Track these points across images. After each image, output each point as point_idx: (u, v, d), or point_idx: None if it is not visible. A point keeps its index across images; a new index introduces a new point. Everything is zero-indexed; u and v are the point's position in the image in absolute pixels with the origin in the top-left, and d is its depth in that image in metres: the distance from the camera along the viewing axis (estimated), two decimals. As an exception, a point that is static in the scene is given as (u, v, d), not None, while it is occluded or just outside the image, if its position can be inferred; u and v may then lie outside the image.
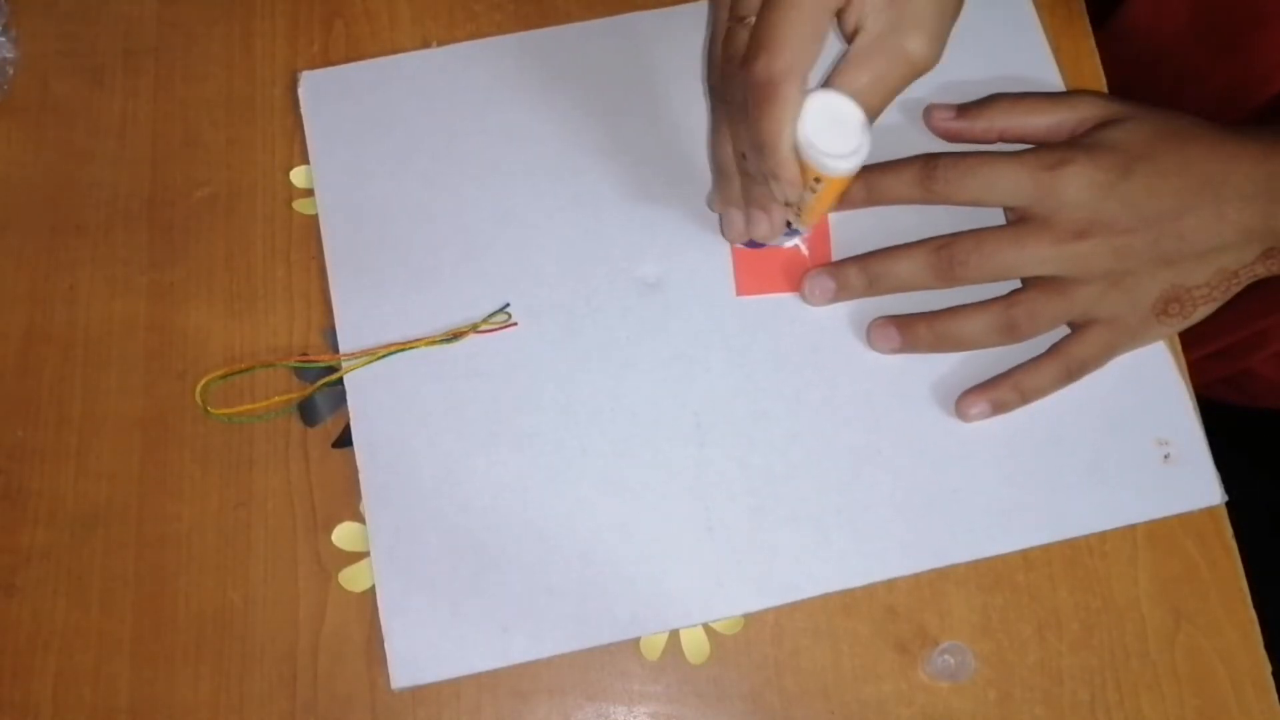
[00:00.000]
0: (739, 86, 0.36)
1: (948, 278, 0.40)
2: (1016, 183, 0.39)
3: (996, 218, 0.42)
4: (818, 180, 0.35)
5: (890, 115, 0.44)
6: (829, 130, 0.34)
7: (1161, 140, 0.39)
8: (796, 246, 0.43)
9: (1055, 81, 0.45)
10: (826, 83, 0.35)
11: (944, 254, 0.40)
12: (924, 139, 0.43)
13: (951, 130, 0.43)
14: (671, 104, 0.45)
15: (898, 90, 0.35)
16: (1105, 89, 0.46)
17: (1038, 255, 0.39)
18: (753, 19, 0.35)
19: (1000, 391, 0.40)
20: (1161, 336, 0.41)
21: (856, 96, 0.34)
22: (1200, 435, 0.40)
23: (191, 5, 0.48)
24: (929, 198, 0.40)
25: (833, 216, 0.43)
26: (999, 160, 0.39)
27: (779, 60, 0.33)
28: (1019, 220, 0.40)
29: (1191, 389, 0.41)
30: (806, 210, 0.37)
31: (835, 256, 0.42)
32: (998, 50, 0.45)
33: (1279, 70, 0.46)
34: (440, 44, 0.46)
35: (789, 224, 0.40)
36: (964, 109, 0.42)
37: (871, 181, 0.41)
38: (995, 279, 0.40)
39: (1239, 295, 0.40)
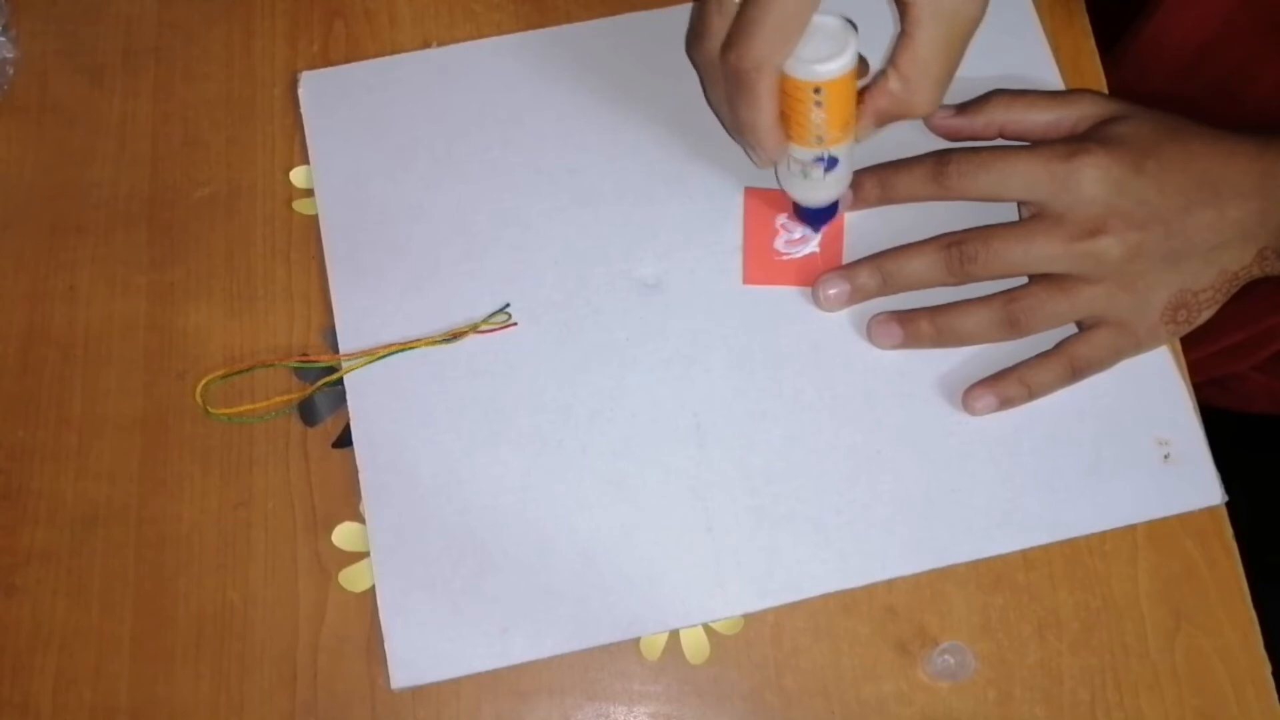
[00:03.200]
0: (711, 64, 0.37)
1: (959, 274, 0.40)
2: (1031, 175, 0.39)
3: (1011, 215, 0.42)
4: (817, 91, 0.35)
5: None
6: (812, 42, 0.35)
7: (1164, 136, 0.39)
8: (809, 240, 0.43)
9: (1055, 81, 0.45)
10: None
11: (954, 250, 0.39)
12: (926, 143, 0.43)
13: (951, 128, 0.42)
14: (671, 104, 0.45)
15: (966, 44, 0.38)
16: (1105, 89, 0.46)
17: (1048, 252, 0.39)
18: (731, 3, 0.36)
19: (1007, 385, 0.40)
20: (1167, 342, 0.41)
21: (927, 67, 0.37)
22: (1200, 435, 0.40)
23: (191, 5, 0.48)
24: (943, 194, 0.40)
25: (846, 217, 0.43)
26: (1012, 153, 0.39)
27: (752, 53, 0.35)
28: (1033, 217, 0.40)
29: (1191, 389, 0.41)
30: (826, 129, 0.37)
31: (847, 257, 0.42)
32: (998, 50, 0.45)
33: None
34: (440, 44, 0.46)
35: (800, 208, 0.41)
36: (962, 107, 0.42)
37: (885, 179, 0.41)
38: (1006, 275, 0.40)
39: (1230, 299, 0.40)
